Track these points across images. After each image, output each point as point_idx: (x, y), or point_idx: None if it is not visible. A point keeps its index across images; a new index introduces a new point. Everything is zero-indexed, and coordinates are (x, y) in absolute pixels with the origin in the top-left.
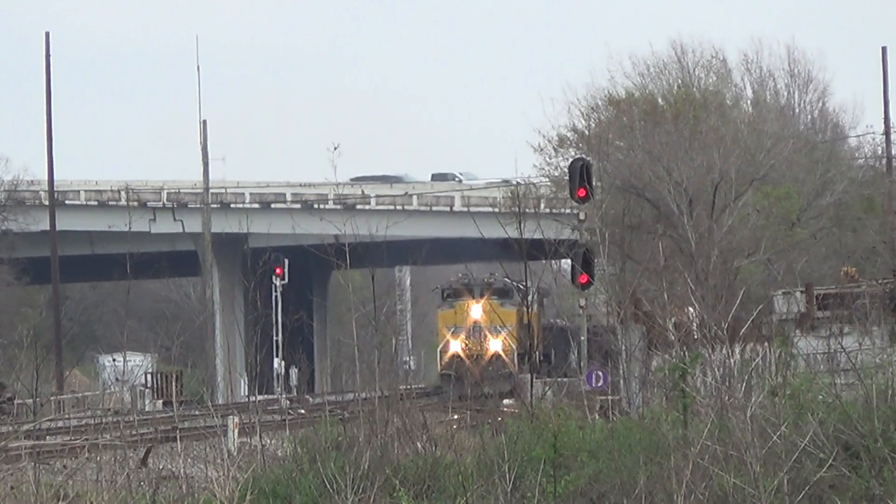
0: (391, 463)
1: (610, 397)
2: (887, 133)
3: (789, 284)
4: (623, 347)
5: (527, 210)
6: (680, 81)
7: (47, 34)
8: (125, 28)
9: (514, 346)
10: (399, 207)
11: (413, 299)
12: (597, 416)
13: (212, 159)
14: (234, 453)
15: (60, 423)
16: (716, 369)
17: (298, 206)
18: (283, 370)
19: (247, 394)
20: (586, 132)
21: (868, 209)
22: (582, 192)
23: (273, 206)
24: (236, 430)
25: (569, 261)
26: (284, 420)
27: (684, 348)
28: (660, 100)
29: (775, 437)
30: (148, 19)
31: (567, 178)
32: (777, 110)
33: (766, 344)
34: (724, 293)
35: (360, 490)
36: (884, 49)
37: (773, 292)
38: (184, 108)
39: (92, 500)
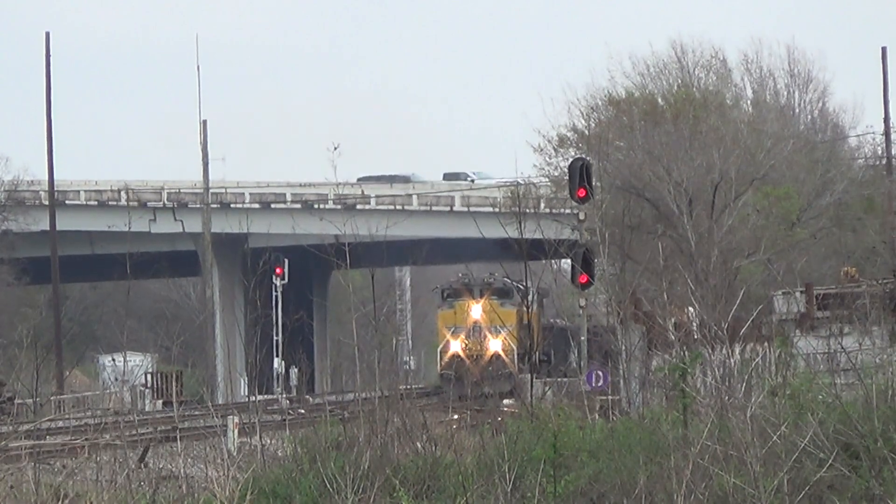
0: (391, 463)
1: (610, 397)
2: (887, 133)
3: (789, 284)
4: (623, 347)
5: (527, 210)
6: (680, 81)
7: (47, 34)
8: (125, 28)
9: (513, 346)
10: (399, 207)
11: (413, 299)
12: (597, 416)
13: (212, 159)
14: (234, 453)
15: (60, 423)
16: (716, 369)
17: (298, 206)
18: (283, 370)
19: (247, 394)
20: (586, 132)
21: (868, 209)
22: (582, 192)
23: (273, 206)
24: (236, 430)
25: (569, 261)
26: (284, 420)
27: (684, 348)
28: (660, 100)
29: (775, 437)
30: (148, 19)
31: (567, 178)
32: (777, 110)
33: (766, 344)
34: (724, 293)
35: (360, 490)
36: (884, 49)
37: (773, 292)
38: (184, 108)
39: (91, 499)
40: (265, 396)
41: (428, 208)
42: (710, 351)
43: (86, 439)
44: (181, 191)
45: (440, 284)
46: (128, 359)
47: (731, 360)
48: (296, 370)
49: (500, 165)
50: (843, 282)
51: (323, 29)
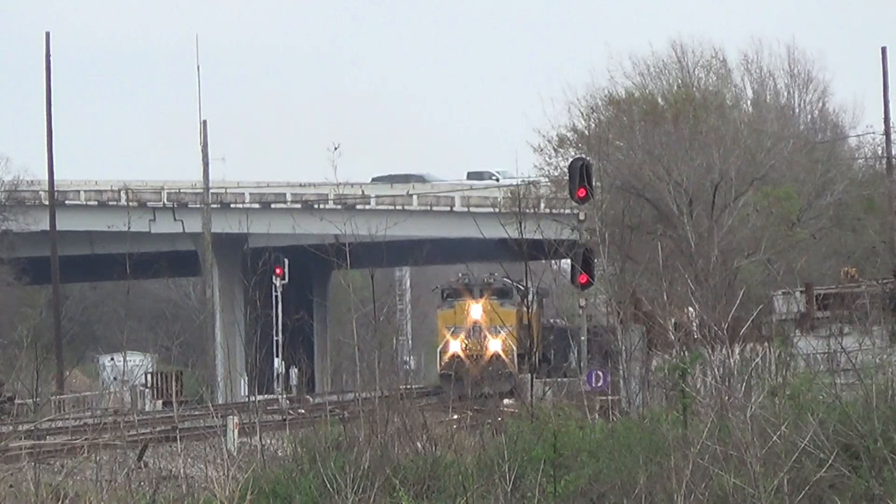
0: (391, 463)
1: (610, 397)
2: (887, 133)
3: (789, 284)
4: (623, 347)
5: (527, 210)
6: (680, 81)
7: (47, 34)
8: (125, 28)
9: (513, 346)
10: (399, 207)
11: (413, 299)
12: (597, 416)
13: (212, 159)
14: (234, 453)
15: (60, 423)
16: (716, 369)
17: (298, 206)
18: (284, 370)
19: (247, 394)
20: (586, 132)
21: (868, 209)
22: (582, 192)
23: (273, 206)
24: (236, 430)
25: (569, 261)
26: (284, 420)
27: (684, 348)
28: (660, 100)
29: (775, 437)
30: (148, 19)
31: (567, 178)
32: (777, 110)
33: (765, 344)
34: (724, 293)
35: (360, 490)
36: (884, 49)
37: (773, 292)
38: (184, 108)
39: (91, 499)
40: (265, 396)
41: (428, 208)
42: (710, 351)
43: (85, 439)
44: (181, 191)
45: (440, 284)
46: (128, 359)
47: (731, 360)
48: (296, 370)
49: (501, 165)
50: (843, 282)
51: (323, 29)
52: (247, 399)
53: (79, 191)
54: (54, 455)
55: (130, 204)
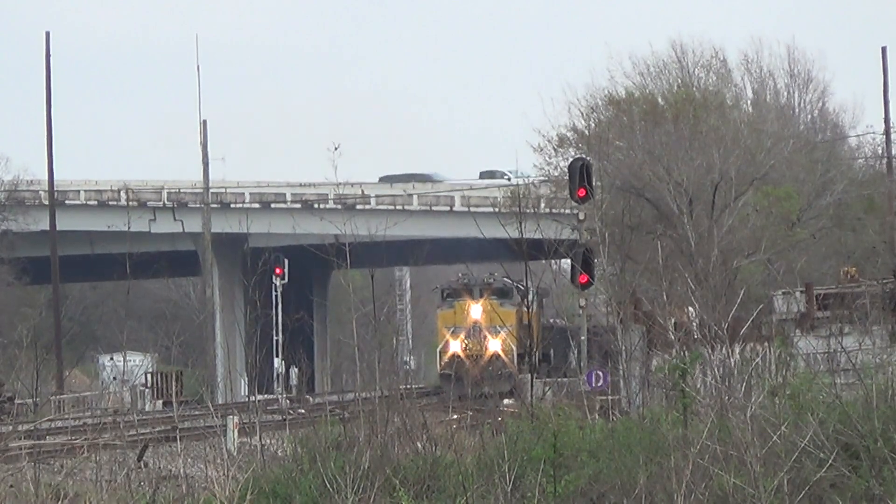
0: (391, 463)
1: (610, 397)
2: (887, 133)
3: (789, 284)
4: (623, 347)
5: (527, 210)
6: (680, 81)
7: (47, 34)
8: (125, 28)
9: (513, 346)
10: (399, 207)
11: (413, 299)
12: (597, 416)
13: (212, 159)
14: (234, 453)
15: (60, 423)
16: (716, 369)
17: (298, 205)
18: (284, 370)
19: (247, 394)
20: (586, 132)
21: (868, 209)
22: (582, 192)
23: (273, 206)
24: (236, 430)
25: (569, 261)
26: (284, 420)
27: (684, 348)
28: (660, 100)
29: (775, 437)
30: (148, 19)
31: (567, 178)
32: (777, 110)
33: (765, 344)
34: (724, 293)
35: (360, 490)
36: (884, 49)
37: (773, 292)
38: (184, 108)
39: (91, 499)
40: (265, 396)
41: (428, 208)
42: (710, 351)
43: (85, 439)
44: (181, 191)
45: (440, 284)
46: (128, 359)
47: (731, 360)
48: (296, 370)
49: (501, 165)
50: (843, 282)
51: (323, 29)
52: (247, 399)
53: (79, 191)
54: (54, 455)
55: (130, 204)
